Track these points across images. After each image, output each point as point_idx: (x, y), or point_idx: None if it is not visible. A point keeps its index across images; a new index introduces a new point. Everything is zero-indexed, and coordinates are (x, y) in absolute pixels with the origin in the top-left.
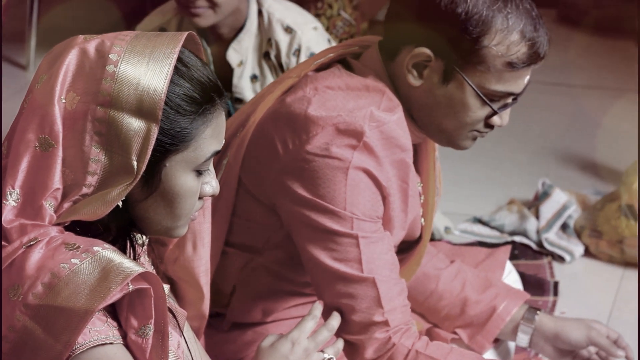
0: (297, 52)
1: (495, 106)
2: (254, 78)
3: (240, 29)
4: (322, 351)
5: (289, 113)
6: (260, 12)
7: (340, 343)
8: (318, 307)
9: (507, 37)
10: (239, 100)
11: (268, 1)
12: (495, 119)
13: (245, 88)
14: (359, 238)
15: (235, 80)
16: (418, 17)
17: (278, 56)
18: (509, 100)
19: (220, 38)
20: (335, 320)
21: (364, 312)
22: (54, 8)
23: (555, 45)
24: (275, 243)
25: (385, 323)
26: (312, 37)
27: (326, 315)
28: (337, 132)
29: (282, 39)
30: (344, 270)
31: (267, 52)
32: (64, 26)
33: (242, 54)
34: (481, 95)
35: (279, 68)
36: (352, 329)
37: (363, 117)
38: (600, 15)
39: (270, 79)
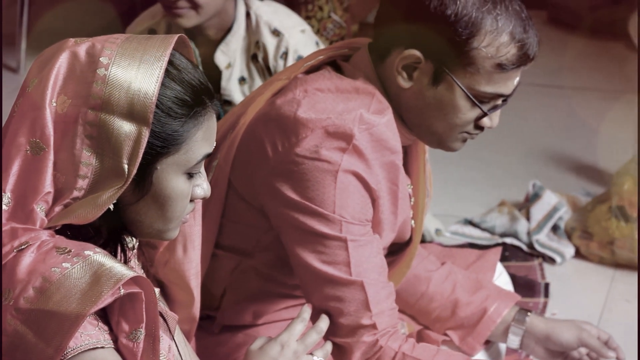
0: (285, 55)
1: (485, 108)
2: (242, 80)
3: (228, 31)
4: (311, 354)
5: (278, 115)
6: (248, 14)
7: (328, 346)
8: (307, 310)
9: (496, 39)
10: (228, 103)
11: (256, 3)
12: (485, 121)
13: (233, 90)
14: (347, 241)
15: (223, 83)
16: (407, 19)
17: (265, 59)
18: (499, 101)
19: (207, 40)
20: (324, 322)
21: (352, 315)
22: (44, 11)
23: (546, 47)
24: (265, 245)
25: (373, 326)
26: (300, 40)
27: (315, 317)
28: (327, 134)
29: (270, 41)
30: (332, 273)
31: (255, 54)
32: (54, 29)
33: (230, 56)
34: (471, 96)
35: (266, 71)
36: (340, 332)
37: (352, 119)
38: (590, 17)
39: (258, 81)
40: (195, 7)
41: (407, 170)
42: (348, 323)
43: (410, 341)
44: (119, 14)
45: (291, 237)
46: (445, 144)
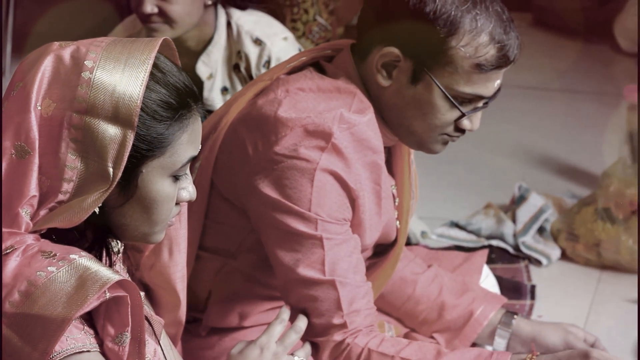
0: (267, 64)
1: (465, 109)
2: (224, 90)
3: (209, 42)
4: (292, 354)
5: (259, 115)
6: (229, 24)
7: (308, 346)
8: (286, 311)
9: (475, 39)
10: (211, 113)
11: (237, 13)
12: (465, 123)
13: (216, 100)
14: (323, 239)
15: (205, 93)
16: (387, 17)
17: (248, 68)
18: (479, 103)
19: (188, 51)
20: (302, 322)
21: (325, 315)
22: (29, 14)
23: (531, 49)
24: (249, 246)
25: (344, 325)
26: (282, 47)
27: (293, 318)
28: (306, 133)
29: (252, 51)
30: (305, 273)
31: (237, 64)
32: (39, 32)
33: (212, 67)
34: (449, 96)
35: (249, 80)
36: (314, 331)
37: (332, 118)
38: (576, 19)
39: None
40: (169, 22)
41: (391, 171)
42: (320, 322)
43: (379, 336)
44: (104, 18)
45: (269, 236)
46: (425, 145)
